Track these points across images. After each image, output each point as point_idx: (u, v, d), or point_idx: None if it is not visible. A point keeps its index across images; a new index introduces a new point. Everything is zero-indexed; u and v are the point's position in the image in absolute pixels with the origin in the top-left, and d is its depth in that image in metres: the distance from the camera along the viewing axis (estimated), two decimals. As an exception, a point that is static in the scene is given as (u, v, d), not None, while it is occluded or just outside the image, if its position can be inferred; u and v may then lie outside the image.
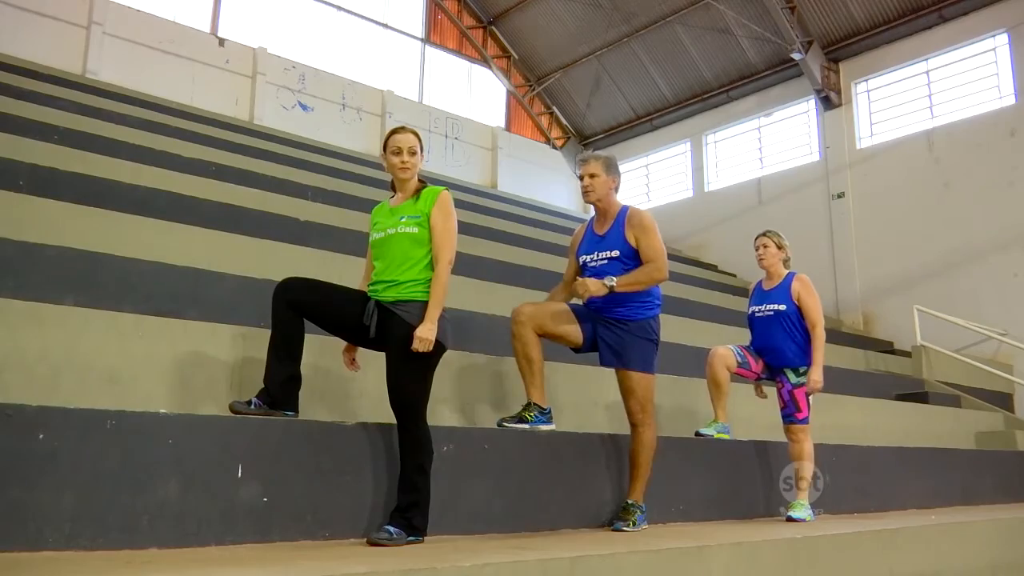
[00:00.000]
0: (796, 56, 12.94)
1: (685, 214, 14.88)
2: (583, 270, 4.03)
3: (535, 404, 3.87)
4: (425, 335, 3.07)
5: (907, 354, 10.55)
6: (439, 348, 3.16)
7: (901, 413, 7.83)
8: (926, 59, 12.32)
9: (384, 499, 3.14)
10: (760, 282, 5.03)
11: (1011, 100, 11.23)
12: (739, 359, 4.77)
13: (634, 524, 3.77)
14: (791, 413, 4.66)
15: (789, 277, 4.89)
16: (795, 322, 4.73)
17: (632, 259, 3.87)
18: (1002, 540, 4.91)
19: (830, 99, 13.12)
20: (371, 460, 3.18)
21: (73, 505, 2.47)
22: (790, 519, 4.48)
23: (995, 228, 10.92)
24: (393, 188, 3.50)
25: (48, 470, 2.46)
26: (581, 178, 4.02)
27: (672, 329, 6.43)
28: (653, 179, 16.50)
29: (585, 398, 4.95)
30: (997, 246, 10.88)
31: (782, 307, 4.75)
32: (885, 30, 12.69)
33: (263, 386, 3.15)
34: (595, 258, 3.96)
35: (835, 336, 10.97)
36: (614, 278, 3.75)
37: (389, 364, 3.17)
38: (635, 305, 3.88)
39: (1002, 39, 11.47)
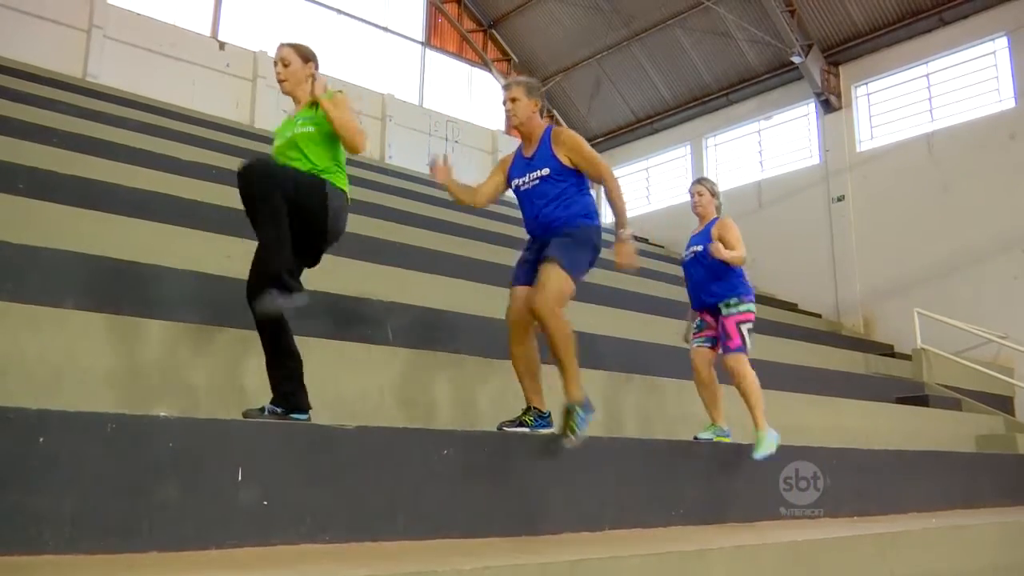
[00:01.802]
0: (796, 59, 12.96)
1: (685, 217, 14.84)
2: (517, 195, 4.02)
3: (534, 408, 3.87)
4: None
5: (907, 357, 10.54)
6: (322, 204, 3.26)
7: (901, 416, 7.82)
8: (926, 62, 12.33)
9: (386, 502, 3.14)
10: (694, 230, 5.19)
11: (1011, 103, 11.24)
12: (708, 344, 4.85)
13: (576, 429, 3.58)
14: (724, 344, 4.73)
15: (712, 221, 5.03)
16: (715, 260, 4.78)
17: (563, 176, 3.85)
18: (1003, 543, 4.91)
19: (830, 102, 13.14)
20: (371, 463, 3.17)
21: (73, 508, 2.47)
22: (755, 459, 4.48)
23: (995, 231, 10.92)
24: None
25: (48, 473, 2.45)
26: (504, 103, 4.02)
27: (676, 332, 6.42)
28: (653, 182, 16.51)
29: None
30: (997, 249, 10.89)
31: (700, 248, 4.90)
32: (885, 33, 12.71)
33: (280, 391, 3.20)
34: (526, 181, 3.95)
35: (835, 339, 10.98)
36: (621, 231, 3.83)
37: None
38: (572, 219, 3.85)
39: (1002, 42, 11.48)
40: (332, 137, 3.38)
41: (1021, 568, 4.81)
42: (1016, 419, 9.81)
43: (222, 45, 13.41)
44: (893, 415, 7.74)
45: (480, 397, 4.58)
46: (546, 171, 3.87)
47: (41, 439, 2.46)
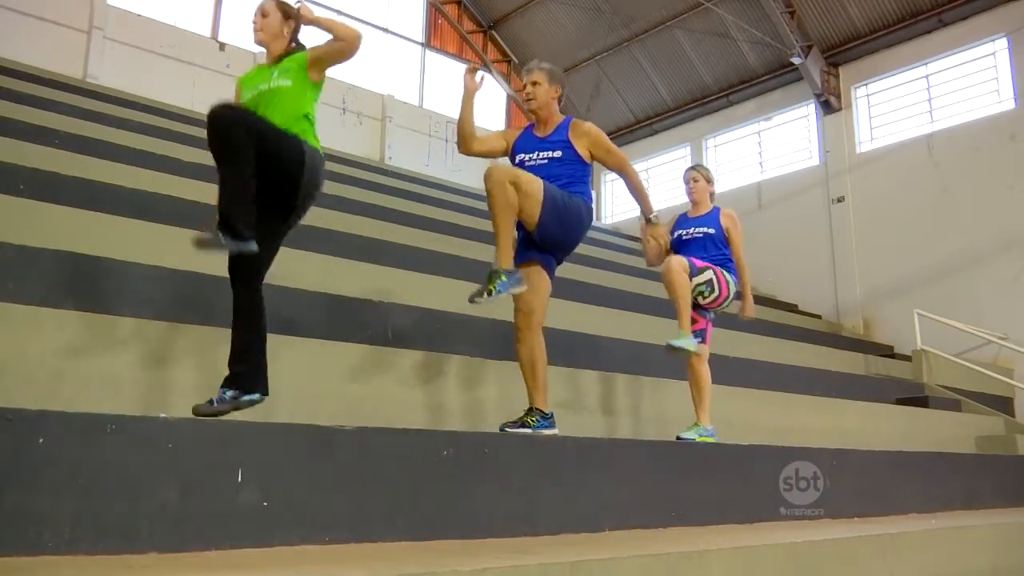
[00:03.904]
0: (796, 60, 12.97)
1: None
2: (520, 166, 4.05)
3: (537, 409, 3.87)
4: None
5: (907, 358, 10.54)
6: (298, 152, 3.26)
7: (901, 417, 7.82)
8: (926, 63, 12.34)
9: (386, 503, 3.14)
10: (684, 213, 5.31)
11: (1011, 104, 11.24)
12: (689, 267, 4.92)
13: (493, 290, 3.73)
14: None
15: (716, 209, 5.20)
16: (719, 246, 5.03)
17: (575, 162, 3.95)
18: (1003, 544, 4.90)
19: (830, 103, 13.14)
20: (371, 464, 3.17)
21: (73, 509, 2.47)
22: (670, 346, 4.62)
23: (995, 232, 10.92)
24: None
25: (48, 474, 2.45)
26: (524, 86, 4.07)
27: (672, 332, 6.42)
28: (653, 183, 16.51)
29: (578, 402, 4.95)
30: (997, 250, 10.89)
31: (711, 230, 5.07)
32: (885, 34, 12.71)
33: (233, 371, 3.18)
34: (535, 157, 4.02)
35: (835, 340, 10.97)
36: (650, 215, 4.14)
37: None
38: (578, 194, 3.96)
39: (1001, 43, 11.49)
40: (307, 92, 3.43)
41: (1021, 570, 4.81)
42: (1016, 420, 9.81)
43: (222, 46, 13.42)
44: (893, 416, 7.74)
45: (480, 398, 4.58)
46: (558, 153, 3.96)
47: (41, 440, 2.46)
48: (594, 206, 4.17)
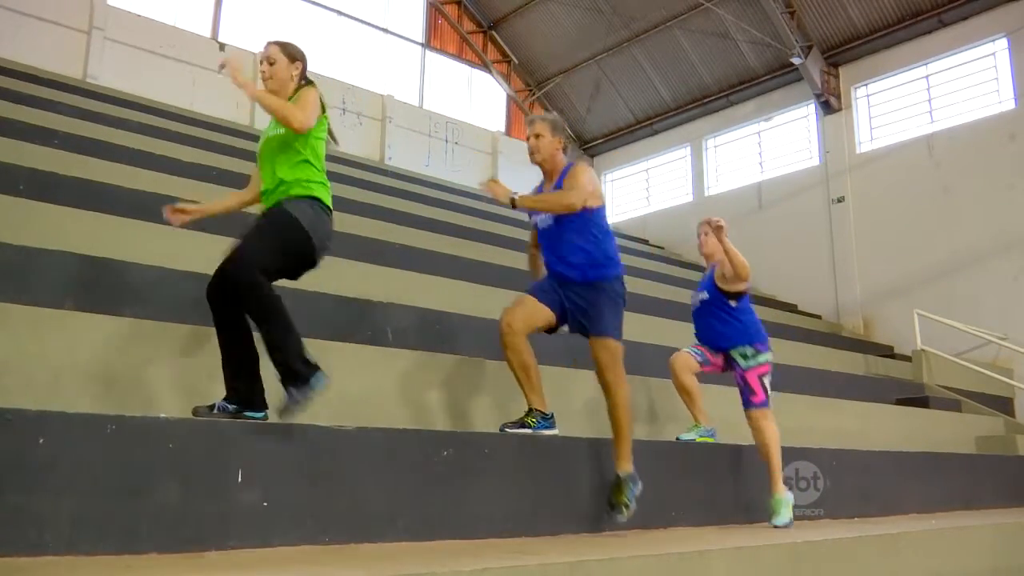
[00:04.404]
0: (796, 61, 12.97)
1: (685, 219, 14.76)
2: (537, 233, 4.03)
3: (537, 410, 3.86)
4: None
5: (907, 358, 10.54)
6: (303, 236, 3.20)
7: (901, 417, 7.82)
8: (926, 63, 12.34)
9: (386, 503, 3.14)
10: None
11: (1011, 104, 11.24)
12: (699, 358, 4.79)
13: (628, 505, 3.69)
14: (747, 398, 4.61)
15: (713, 267, 4.90)
16: (721, 304, 4.74)
17: (575, 216, 3.82)
18: (1003, 545, 4.90)
19: (830, 103, 13.14)
20: (372, 464, 3.18)
21: (73, 510, 2.47)
22: (775, 527, 4.38)
23: (995, 232, 10.92)
24: None
25: (48, 475, 2.45)
26: (528, 139, 4.03)
27: (675, 333, 6.43)
28: (653, 184, 16.51)
29: (575, 402, 4.94)
30: (997, 250, 10.89)
31: (705, 295, 4.82)
32: (885, 35, 12.71)
33: (231, 386, 3.13)
34: (544, 219, 3.96)
35: (835, 340, 10.97)
36: (516, 194, 3.75)
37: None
38: (593, 264, 3.85)
39: (1002, 44, 11.49)
40: (301, 138, 3.28)
41: (1021, 570, 4.81)
42: (1016, 420, 9.81)
43: (222, 46, 13.40)
44: (893, 416, 7.74)
45: (480, 398, 4.58)
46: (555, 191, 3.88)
47: (41, 440, 2.46)
48: (615, 249, 4.06)
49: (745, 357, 4.65)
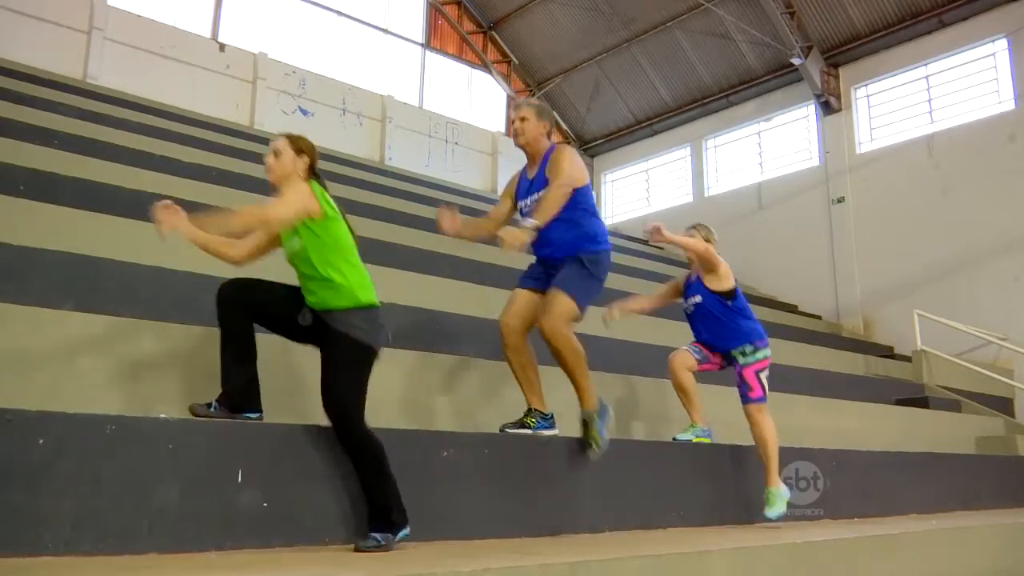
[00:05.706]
0: (796, 61, 12.96)
1: (685, 219, 14.74)
2: (520, 214, 4.02)
3: (537, 411, 3.87)
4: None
5: (907, 359, 10.54)
6: (368, 352, 3.13)
7: (901, 418, 7.82)
8: (926, 64, 12.33)
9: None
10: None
11: (1011, 105, 11.24)
12: (697, 356, 4.78)
13: (597, 440, 3.73)
14: (745, 393, 4.63)
15: (697, 275, 4.85)
16: (716, 305, 4.72)
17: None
18: (1003, 545, 4.90)
19: (830, 104, 13.14)
20: (371, 465, 3.17)
21: (73, 510, 2.47)
22: (767, 518, 4.43)
23: (995, 232, 10.92)
24: None
25: (48, 475, 2.45)
26: (512, 122, 4.07)
27: (674, 333, 6.43)
28: (653, 184, 16.51)
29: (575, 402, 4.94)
30: (997, 250, 10.89)
31: (698, 298, 4.79)
32: (885, 35, 12.71)
33: (222, 389, 3.10)
34: (528, 203, 3.97)
35: (835, 340, 10.97)
36: (531, 219, 3.68)
37: (323, 369, 3.08)
38: (578, 242, 3.85)
39: (1001, 44, 11.49)
40: (317, 239, 3.16)
41: (1021, 570, 4.81)
42: (1016, 421, 9.81)
43: (222, 47, 13.41)
44: (893, 417, 7.74)
45: (480, 399, 4.58)
46: (543, 193, 3.86)
47: (41, 441, 2.46)
48: (604, 229, 4.04)
49: (744, 354, 4.67)
